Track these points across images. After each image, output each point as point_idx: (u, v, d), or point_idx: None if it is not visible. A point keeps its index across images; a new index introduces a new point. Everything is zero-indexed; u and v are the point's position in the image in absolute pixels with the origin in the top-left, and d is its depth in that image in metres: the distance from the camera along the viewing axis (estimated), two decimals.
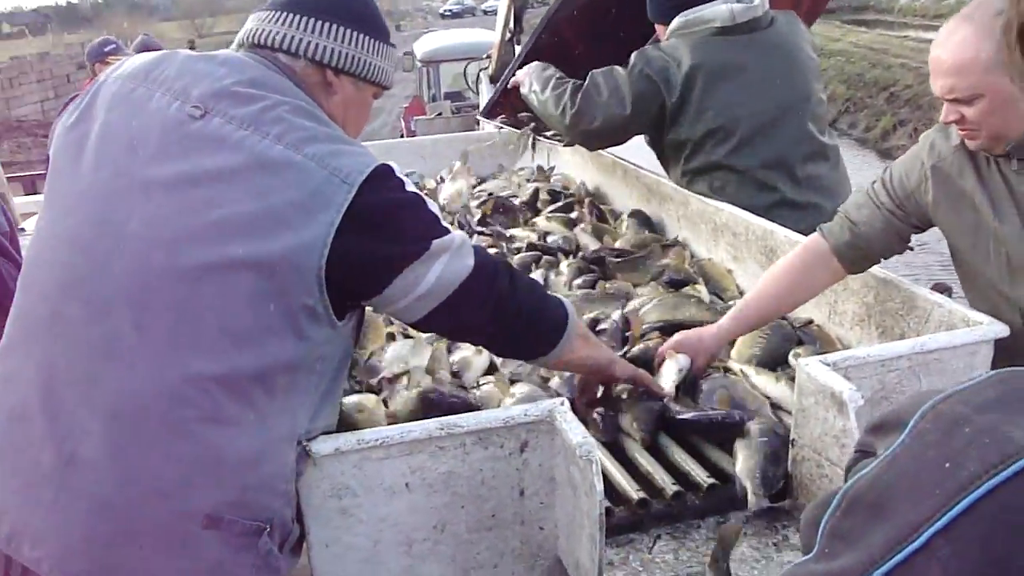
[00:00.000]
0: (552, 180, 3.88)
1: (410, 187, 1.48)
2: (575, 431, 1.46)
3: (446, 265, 1.48)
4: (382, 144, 4.84)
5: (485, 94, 5.87)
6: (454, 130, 5.85)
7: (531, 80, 3.24)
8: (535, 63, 3.33)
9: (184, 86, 1.46)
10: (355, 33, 1.58)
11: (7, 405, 1.41)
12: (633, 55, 2.95)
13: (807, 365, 1.66)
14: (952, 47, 1.67)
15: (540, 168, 4.02)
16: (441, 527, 1.56)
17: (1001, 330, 1.80)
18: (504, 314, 1.60)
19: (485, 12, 42.82)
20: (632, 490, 1.71)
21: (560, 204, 3.48)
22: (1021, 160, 1.76)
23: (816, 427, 1.64)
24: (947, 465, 0.59)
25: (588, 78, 3.00)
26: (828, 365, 1.65)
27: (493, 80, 5.96)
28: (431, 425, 1.51)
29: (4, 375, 1.44)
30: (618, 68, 2.96)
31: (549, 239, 3.10)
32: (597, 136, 3.09)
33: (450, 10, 55.53)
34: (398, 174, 1.47)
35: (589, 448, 1.42)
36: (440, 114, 8.33)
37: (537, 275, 2.77)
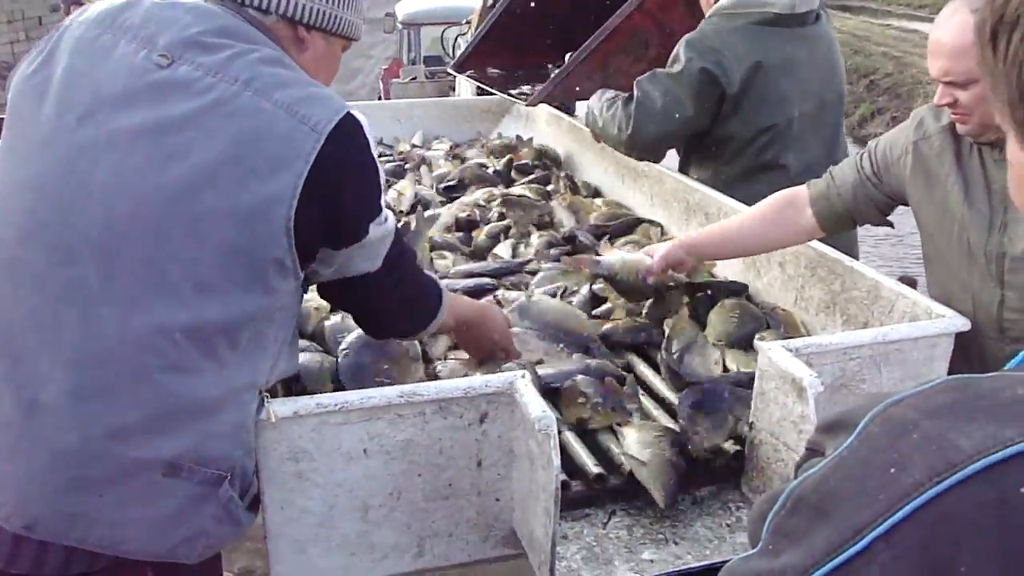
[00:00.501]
0: (527, 150, 3.85)
1: (373, 149, 1.48)
2: (535, 404, 1.46)
3: (367, 255, 1.53)
4: (360, 104, 4.79)
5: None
6: (429, 94, 5.80)
7: (591, 111, 3.03)
8: (598, 92, 3.05)
9: (150, 34, 1.42)
10: None
11: None
12: (680, 47, 2.74)
13: (769, 350, 1.67)
14: (952, 30, 1.67)
15: (519, 138, 3.99)
16: (397, 494, 1.56)
17: (962, 324, 1.82)
18: (386, 310, 1.70)
19: None
20: (591, 464, 1.71)
21: (535, 176, 3.46)
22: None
23: (775, 411, 1.65)
24: (892, 470, 0.59)
25: (636, 87, 2.79)
26: (790, 351, 1.66)
27: None
28: (391, 392, 1.51)
29: None
30: (661, 71, 2.76)
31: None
32: (660, 145, 2.89)
33: None
34: (365, 131, 1.45)
35: (548, 422, 1.42)
36: (415, 78, 8.26)
37: (506, 245, 2.76)
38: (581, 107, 3.43)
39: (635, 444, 1.70)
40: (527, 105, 3.79)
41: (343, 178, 1.41)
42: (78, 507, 1.34)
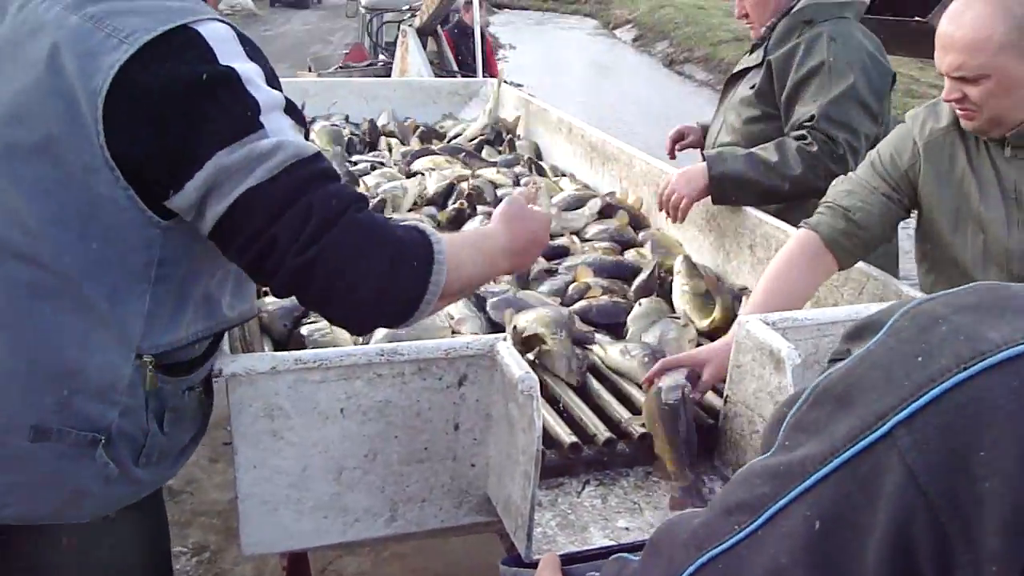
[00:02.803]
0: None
1: (225, 60, 1.19)
2: (517, 365, 1.45)
3: (223, 172, 1.18)
4: (327, 82, 4.74)
5: (414, 51, 5.83)
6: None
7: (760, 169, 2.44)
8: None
9: None
10: None
11: None
12: (842, 66, 2.41)
13: (747, 322, 1.68)
14: (965, 24, 1.64)
15: (502, 123, 3.96)
16: (372, 456, 1.54)
17: None
18: (303, 251, 1.19)
19: None
20: (565, 434, 1.71)
21: (505, 158, 3.46)
22: (1015, 147, 1.76)
23: (751, 384, 1.66)
24: (919, 359, 0.59)
25: (830, 130, 2.38)
26: (768, 324, 1.67)
27: (421, 32, 5.93)
28: (371, 350, 1.49)
29: None
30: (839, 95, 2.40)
31: (499, 192, 3.06)
32: None
33: None
34: (210, 42, 1.19)
35: (531, 383, 1.41)
36: (371, 64, 8.23)
37: (476, 221, 2.74)
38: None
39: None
40: None
41: (164, 97, 1.16)
42: None
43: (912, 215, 2.01)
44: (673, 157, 2.96)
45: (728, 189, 2.46)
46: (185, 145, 1.17)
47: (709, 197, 2.47)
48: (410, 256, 1.26)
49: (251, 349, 1.89)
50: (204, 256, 1.31)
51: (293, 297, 1.28)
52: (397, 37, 7.59)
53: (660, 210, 2.58)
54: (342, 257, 1.20)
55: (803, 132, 2.40)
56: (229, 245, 1.24)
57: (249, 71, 1.21)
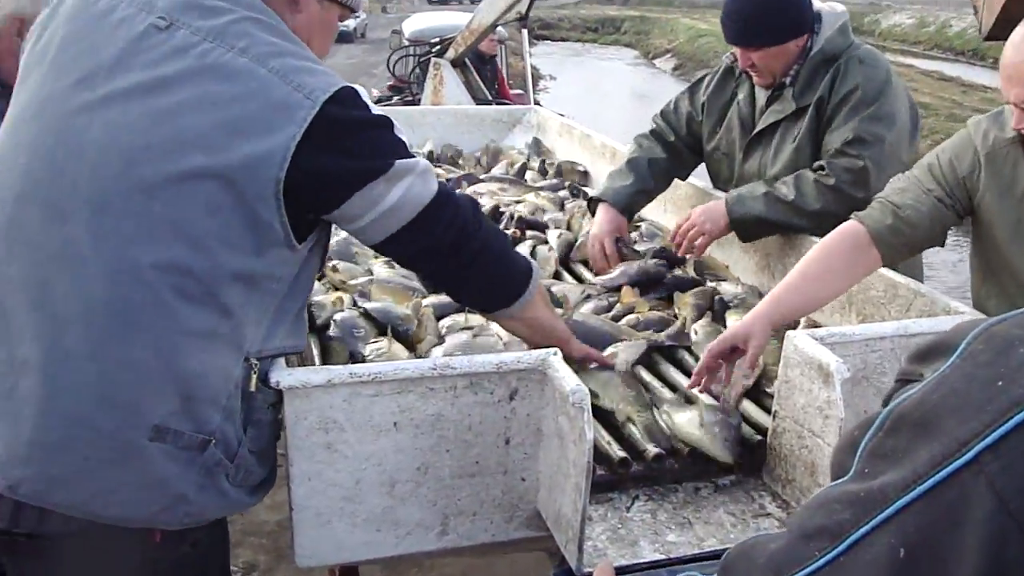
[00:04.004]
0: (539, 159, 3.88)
1: (376, 110, 1.47)
2: (568, 379, 1.47)
3: (409, 187, 1.46)
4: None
5: (450, 83, 5.90)
6: None
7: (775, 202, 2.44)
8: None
9: None
10: None
11: None
12: (874, 84, 2.41)
13: (795, 337, 1.69)
14: None
15: (537, 141, 4.00)
16: (424, 469, 1.57)
17: (982, 320, 1.83)
18: (467, 247, 1.57)
19: (472, 0, 42.69)
20: (614, 450, 1.72)
21: (550, 182, 3.49)
22: None
23: (800, 398, 1.67)
24: (999, 383, 0.59)
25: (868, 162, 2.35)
26: (816, 339, 1.67)
27: (455, 64, 6.00)
28: (424, 364, 1.52)
29: None
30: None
31: (544, 217, 3.08)
32: None
33: None
34: (364, 97, 1.45)
35: (582, 396, 1.43)
36: (389, 97, 8.35)
37: (524, 247, 2.76)
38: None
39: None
40: None
41: (340, 137, 1.40)
42: (60, 469, 1.34)
43: (964, 222, 2.00)
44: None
45: (751, 230, 2.49)
46: (366, 160, 1.43)
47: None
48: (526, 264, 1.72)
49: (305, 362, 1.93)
50: (306, 279, 1.54)
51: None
52: (412, 69, 7.66)
53: (672, 240, 2.61)
54: (490, 258, 1.63)
55: (823, 163, 2.41)
56: (404, 246, 1.54)
57: (390, 118, 1.49)
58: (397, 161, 1.44)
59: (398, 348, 1.97)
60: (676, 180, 2.98)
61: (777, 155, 2.57)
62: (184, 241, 1.35)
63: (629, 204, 2.77)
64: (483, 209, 2.86)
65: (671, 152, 2.84)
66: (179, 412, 1.36)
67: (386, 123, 1.47)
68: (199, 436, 1.38)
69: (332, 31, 1.66)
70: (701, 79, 2.84)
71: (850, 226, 1.96)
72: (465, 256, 1.58)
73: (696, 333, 2.20)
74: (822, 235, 2.32)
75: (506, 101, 7.69)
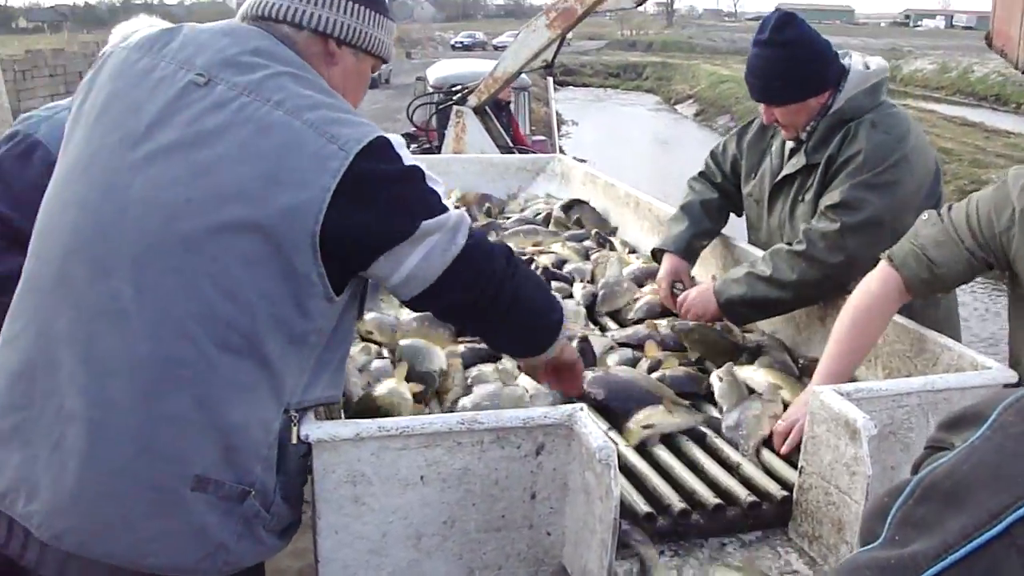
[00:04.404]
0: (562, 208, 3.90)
1: (408, 160, 1.48)
2: (595, 435, 1.48)
3: (434, 246, 1.48)
4: None
5: (473, 131, 5.95)
6: None
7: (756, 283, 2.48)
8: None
9: (188, 56, 1.50)
10: (356, 5, 1.61)
11: (10, 365, 1.44)
12: (878, 153, 2.38)
13: (821, 393, 1.69)
14: None
15: (573, 207, 3.98)
16: (451, 523, 1.57)
17: (1010, 376, 1.83)
18: (499, 300, 1.59)
19: (496, 47, 43.25)
20: (640, 504, 1.72)
21: (575, 232, 3.51)
22: None
23: (826, 455, 1.66)
24: None
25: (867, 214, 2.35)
26: (842, 395, 1.67)
27: (477, 111, 6.05)
28: (452, 419, 1.53)
29: (10, 336, 1.47)
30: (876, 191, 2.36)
31: (566, 267, 3.09)
32: None
33: (461, 42, 56.16)
34: (396, 147, 1.47)
35: (608, 452, 1.44)
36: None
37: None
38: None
39: None
40: None
41: (372, 190, 1.43)
42: (104, 518, 1.36)
43: (993, 271, 1.99)
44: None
45: (740, 312, 2.53)
46: (394, 220, 1.45)
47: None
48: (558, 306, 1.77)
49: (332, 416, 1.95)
50: (346, 330, 1.57)
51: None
52: (430, 117, 7.69)
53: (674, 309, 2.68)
54: (524, 306, 1.65)
55: (802, 229, 2.43)
56: (434, 301, 1.56)
57: (423, 167, 1.51)
58: (423, 222, 1.46)
59: (405, 388, 1.98)
60: (733, 241, 2.97)
61: (794, 209, 2.60)
62: (224, 294, 1.38)
63: (687, 248, 2.83)
64: None
65: (721, 192, 2.90)
66: (220, 463, 1.39)
67: (417, 176, 1.49)
68: (239, 486, 1.40)
69: (366, 81, 1.71)
70: (751, 122, 2.88)
71: (887, 274, 1.98)
72: (498, 308, 1.59)
73: (720, 380, 2.21)
74: (803, 304, 2.49)
75: (523, 147, 7.72)
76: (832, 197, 2.39)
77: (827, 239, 2.36)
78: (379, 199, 1.44)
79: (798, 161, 2.57)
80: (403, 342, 2.20)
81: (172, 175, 1.41)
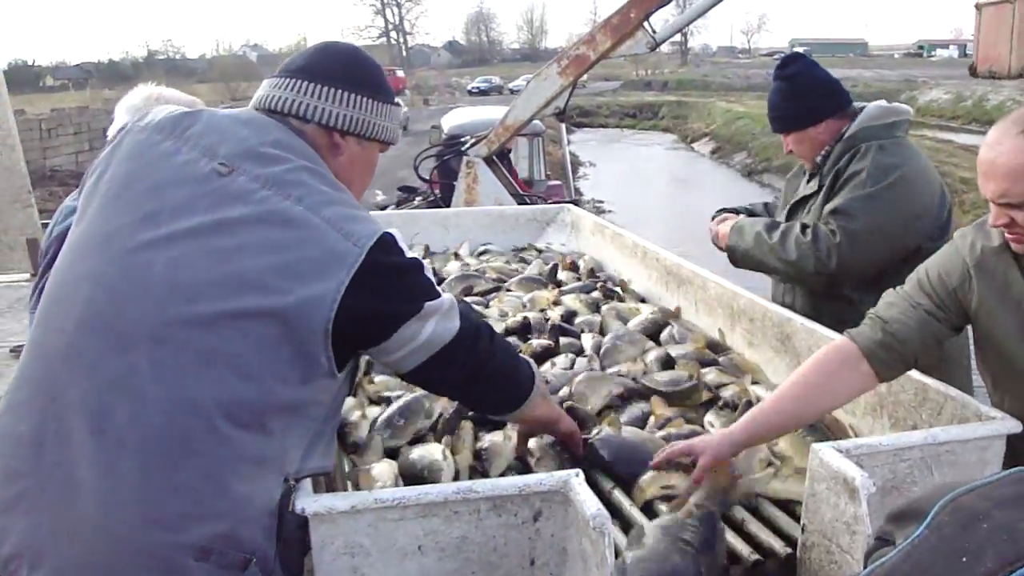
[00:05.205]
0: (572, 258, 3.92)
1: (410, 254, 1.60)
2: (590, 502, 1.48)
3: (436, 325, 1.60)
4: (410, 213, 4.94)
5: (485, 181, 5.98)
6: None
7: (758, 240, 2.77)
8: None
9: (211, 144, 1.57)
10: (358, 97, 1.68)
11: (17, 432, 1.47)
12: (881, 172, 2.57)
13: (820, 451, 1.68)
14: (1006, 152, 1.66)
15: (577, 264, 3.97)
16: None
17: (1013, 426, 1.82)
18: (481, 373, 1.73)
19: (512, 91, 43.68)
20: None
21: (581, 284, 3.52)
22: None
23: (827, 512, 1.65)
24: (964, 559, 0.60)
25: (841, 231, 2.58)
26: (841, 452, 1.67)
27: (488, 161, 6.09)
28: (448, 489, 1.54)
29: (16, 403, 1.50)
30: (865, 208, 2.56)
31: (576, 320, 3.09)
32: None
33: (477, 87, 56.84)
34: (400, 242, 1.58)
35: (603, 520, 1.44)
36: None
37: (562, 360, 2.72)
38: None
39: None
40: None
41: (381, 282, 1.52)
42: None
43: (960, 333, 1.99)
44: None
45: (739, 260, 2.87)
46: (401, 303, 1.56)
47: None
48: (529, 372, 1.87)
49: (333, 485, 1.96)
50: (340, 402, 1.65)
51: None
52: (432, 169, 7.72)
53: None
54: (502, 374, 1.79)
55: (811, 224, 2.66)
56: (429, 373, 1.66)
57: (421, 260, 1.63)
58: (427, 303, 1.57)
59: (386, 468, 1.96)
60: (706, 280, 3.03)
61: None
62: (238, 374, 1.43)
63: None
64: (515, 319, 2.93)
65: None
66: (224, 533, 1.41)
67: (419, 266, 1.60)
68: (241, 555, 1.42)
69: (373, 167, 1.79)
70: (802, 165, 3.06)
71: (841, 342, 1.97)
72: (481, 379, 1.74)
73: (712, 426, 2.23)
74: (790, 281, 2.78)
75: (526, 196, 7.75)
76: (834, 204, 2.63)
77: (828, 240, 2.59)
78: (388, 288, 1.54)
79: (814, 183, 2.79)
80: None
81: (194, 258, 1.47)
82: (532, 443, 2.07)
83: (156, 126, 1.61)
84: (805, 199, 2.82)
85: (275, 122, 1.63)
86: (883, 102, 2.78)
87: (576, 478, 1.56)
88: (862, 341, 1.93)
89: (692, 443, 1.92)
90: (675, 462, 1.94)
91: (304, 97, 1.64)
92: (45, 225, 6.72)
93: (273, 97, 1.66)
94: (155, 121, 1.62)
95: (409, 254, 1.59)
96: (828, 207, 2.64)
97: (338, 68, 1.68)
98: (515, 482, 1.58)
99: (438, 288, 1.63)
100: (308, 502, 1.49)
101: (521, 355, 1.96)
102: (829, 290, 2.72)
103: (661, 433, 2.22)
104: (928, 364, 2.04)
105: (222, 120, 1.62)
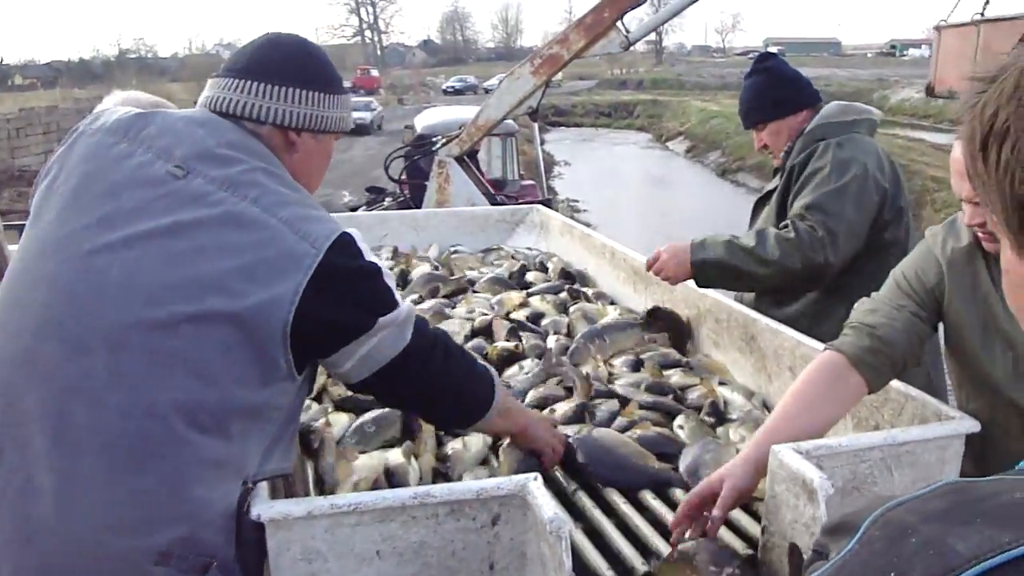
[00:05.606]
0: (538, 259, 3.91)
1: (368, 256, 1.59)
2: (547, 506, 1.48)
3: (383, 338, 1.60)
4: (380, 214, 4.91)
5: (458, 180, 5.97)
6: None
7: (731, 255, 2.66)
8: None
9: (166, 146, 1.55)
10: (311, 93, 1.66)
11: None
12: (842, 167, 2.64)
13: (779, 452, 1.68)
14: None
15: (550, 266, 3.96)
16: None
17: (972, 425, 1.83)
18: (433, 390, 1.75)
19: (486, 90, 43.63)
20: (604, 568, 1.71)
21: (549, 285, 3.50)
22: None
23: (787, 514, 1.66)
24: (892, 574, 0.60)
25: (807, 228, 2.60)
26: (800, 453, 1.67)
27: (459, 160, 6.07)
28: (404, 494, 1.53)
29: None
30: (821, 206, 2.61)
31: (543, 321, 3.09)
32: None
33: (452, 87, 56.81)
34: (359, 242, 1.57)
35: (560, 524, 1.43)
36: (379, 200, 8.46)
37: (528, 363, 2.68)
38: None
39: None
40: None
41: (338, 287, 1.52)
42: None
43: (936, 331, 1.99)
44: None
45: (710, 275, 2.69)
46: (356, 315, 1.55)
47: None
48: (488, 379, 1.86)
49: (292, 489, 1.94)
50: (299, 405, 1.64)
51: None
52: (401, 171, 7.70)
53: (648, 270, 2.81)
54: (454, 392, 1.79)
55: (786, 222, 2.64)
56: (378, 386, 1.68)
57: (380, 263, 1.61)
58: (380, 318, 1.57)
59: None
60: (704, 291, 3.00)
61: (762, 217, 2.91)
62: (197, 377, 1.43)
63: None
64: (479, 322, 2.92)
65: None
66: (184, 537, 1.40)
67: (376, 272, 1.59)
68: (201, 559, 1.42)
69: (328, 157, 1.78)
70: None
71: (827, 355, 1.89)
72: (434, 396, 1.76)
73: (682, 429, 2.23)
74: (770, 285, 2.71)
75: (497, 196, 7.76)
76: (805, 201, 2.64)
77: (811, 235, 2.58)
78: (344, 296, 1.53)
79: (778, 180, 2.86)
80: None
81: (151, 261, 1.45)
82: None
83: (108, 129, 1.59)
84: (769, 194, 2.90)
85: (229, 123, 1.62)
86: (842, 102, 2.88)
87: (534, 482, 1.55)
88: (849, 350, 1.86)
89: (710, 480, 1.74)
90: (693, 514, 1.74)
91: (256, 99, 1.62)
92: (9, 227, 6.64)
93: (223, 99, 1.64)
94: (108, 124, 1.60)
95: (369, 257, 1.58)
96: (798, 204, 2.67)
97: (289, 64, 1.66)
98: (472, 486, 1.57)
99: (396, 296, 1.62)
100: (264, 508, 1.48)
101: (483, 364, 1.95)
102: (807, 288, 2.76)
103: (628, 434, 2.22)
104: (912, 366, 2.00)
105: (176, 122, 1.60)
